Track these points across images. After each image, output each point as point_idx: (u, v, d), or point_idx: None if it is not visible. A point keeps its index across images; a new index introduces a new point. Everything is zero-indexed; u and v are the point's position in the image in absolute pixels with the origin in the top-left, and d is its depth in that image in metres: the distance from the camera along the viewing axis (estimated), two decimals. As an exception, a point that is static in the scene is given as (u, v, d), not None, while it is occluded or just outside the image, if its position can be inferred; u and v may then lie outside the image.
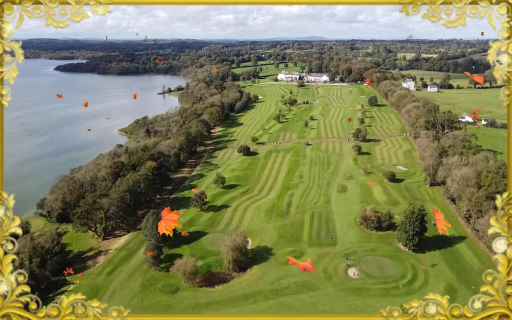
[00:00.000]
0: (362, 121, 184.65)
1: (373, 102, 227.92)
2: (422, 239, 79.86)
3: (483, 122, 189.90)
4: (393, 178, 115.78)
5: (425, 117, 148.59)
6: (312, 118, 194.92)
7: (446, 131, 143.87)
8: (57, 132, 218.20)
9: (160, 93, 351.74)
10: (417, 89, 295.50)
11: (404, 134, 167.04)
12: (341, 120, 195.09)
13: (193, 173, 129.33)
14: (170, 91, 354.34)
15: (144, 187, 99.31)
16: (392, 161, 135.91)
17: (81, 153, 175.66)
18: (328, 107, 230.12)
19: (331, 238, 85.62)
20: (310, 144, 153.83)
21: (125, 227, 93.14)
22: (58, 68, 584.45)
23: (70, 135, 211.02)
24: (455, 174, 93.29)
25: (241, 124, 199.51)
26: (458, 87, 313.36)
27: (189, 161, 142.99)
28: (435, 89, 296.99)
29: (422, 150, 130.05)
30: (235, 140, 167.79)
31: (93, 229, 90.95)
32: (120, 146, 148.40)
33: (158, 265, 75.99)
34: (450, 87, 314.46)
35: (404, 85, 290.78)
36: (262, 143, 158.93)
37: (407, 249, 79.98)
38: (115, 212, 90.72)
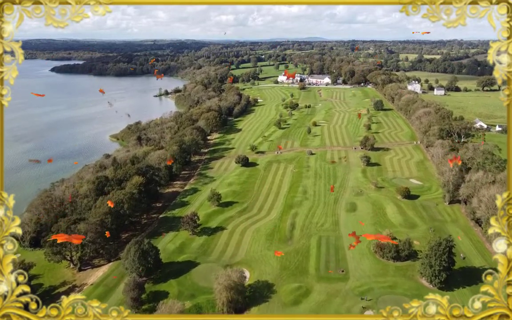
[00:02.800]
0: (369, 127, 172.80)
1: (379, 106, 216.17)
2: (450, 274, 68.23)
3: (498, 129, 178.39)
4: (408, 195, 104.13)
5: (438, 125, 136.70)
6: (315, 124, 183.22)
7: (462, 140, 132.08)
8: (46, 138, 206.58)
9: (156, 96, 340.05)
10: (423, 92, 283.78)
11: (415, 142, 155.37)
12: (346, 126, 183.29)
13: (186, 188, 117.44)
14: (167, 93, 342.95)
15: (128, 208, 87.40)
16: (404, 173, 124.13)
17: (70, 162, 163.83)
18: (331, 112, 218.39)
19: (342, 271, 73.89)
20: (314, 154, 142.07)
21: (105, 255, 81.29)
22: (53, 69, 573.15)
23: (59, 141, 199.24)
24: (483, 194, 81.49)
25: (240, 130, 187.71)
26: (466, 90, 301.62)
27: (183, 172, 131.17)
28: (442, 92, 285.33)
29: (438, 162, 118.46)
30: (232, 148, 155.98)
31: (68, 258, 79.19)
32: (107, 156, 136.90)
33: (139, 308, 64.24)
34: (457, 89, 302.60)
35: (410, 87, 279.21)
36: (262, 152, 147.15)
37: (432, 286, 68.23)
38: (93, 239, 78.88)
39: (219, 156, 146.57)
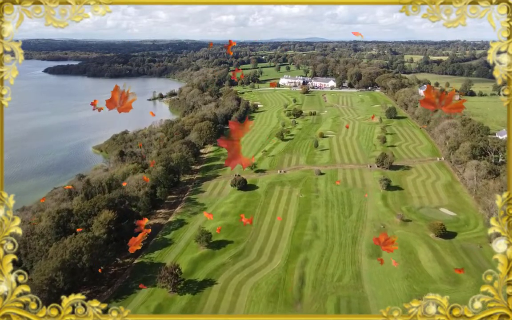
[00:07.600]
0: (383, 140, 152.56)
1: (391, 114, 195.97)
2: None
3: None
4: (443, 232, 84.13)
5: (470, 141, 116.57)
6: (322, 135, 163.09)
7: (499, 159, 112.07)
8: (22, 149, 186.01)
9: (150, 99, 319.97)
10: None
11: (438, 158, 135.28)
12: (357, 137, 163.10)
13: (170, 219, 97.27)
14: (161, 97, 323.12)
15: (88, 261, 67.21)
16: (432, 200, 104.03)
17: (44, 180, 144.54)
18: (339, 120, 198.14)
19: (373, 360, 53.86)
20: (323, 174, 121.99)
21: (54, 327, 61.41)
22: (46, 70, 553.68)
23: (36, 153, 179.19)
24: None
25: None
26: (481, 94, 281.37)
27: (169, 197, 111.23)
28: (457, 97, 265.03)
29: (473, 186, 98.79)
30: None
31: (3, 332, 59.37)
32: (81, 177, 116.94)
33: None
34: (471, 94, 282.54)
35: (421, 92, 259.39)
36: (262, 171, 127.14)
37: None
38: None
39: (212, 175, 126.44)
